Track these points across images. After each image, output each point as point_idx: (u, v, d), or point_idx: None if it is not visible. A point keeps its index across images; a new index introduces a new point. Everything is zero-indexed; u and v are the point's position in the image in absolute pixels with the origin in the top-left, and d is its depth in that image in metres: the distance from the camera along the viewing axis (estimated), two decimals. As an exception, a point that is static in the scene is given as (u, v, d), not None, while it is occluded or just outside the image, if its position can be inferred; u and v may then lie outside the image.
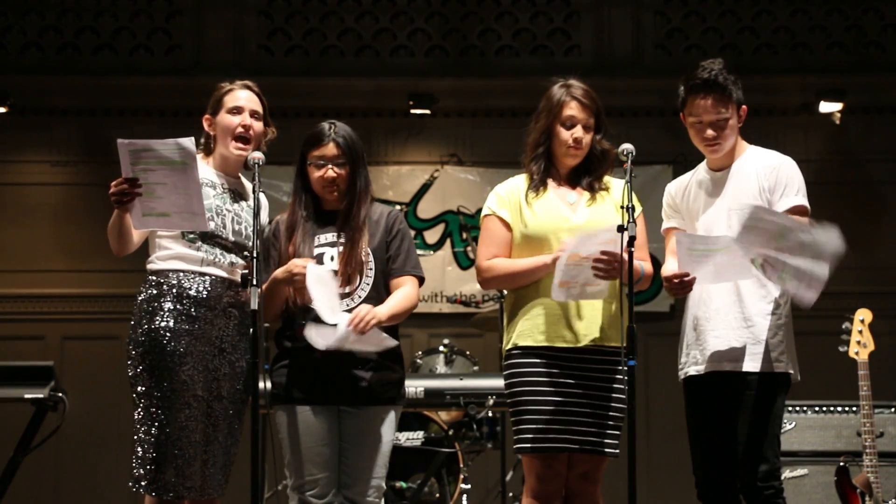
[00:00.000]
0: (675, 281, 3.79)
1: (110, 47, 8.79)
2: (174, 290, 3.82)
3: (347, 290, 3.84)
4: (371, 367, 3.85)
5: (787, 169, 3.96)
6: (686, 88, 3.97)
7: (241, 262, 3.92)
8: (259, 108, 3.98)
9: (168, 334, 3.78)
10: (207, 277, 3.85)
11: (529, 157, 3.99)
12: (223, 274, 3.88)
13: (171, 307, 3.80)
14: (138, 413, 3.79)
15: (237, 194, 3.99)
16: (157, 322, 3.79)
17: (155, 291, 3.83)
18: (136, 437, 3.78)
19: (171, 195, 3.63)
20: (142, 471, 3.75)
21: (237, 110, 3.93)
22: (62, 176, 8.59)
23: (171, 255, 3.85)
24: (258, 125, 3.97)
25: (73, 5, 8.79)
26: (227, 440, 3.89)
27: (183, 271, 3.84)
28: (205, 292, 3.83)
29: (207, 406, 3.82)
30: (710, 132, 3.94)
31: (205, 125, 4.01)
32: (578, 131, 3.92)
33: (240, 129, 3.92)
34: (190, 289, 3.82)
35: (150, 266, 3.90)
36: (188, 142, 3.60)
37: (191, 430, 3.77)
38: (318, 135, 3.92)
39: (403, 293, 3.91)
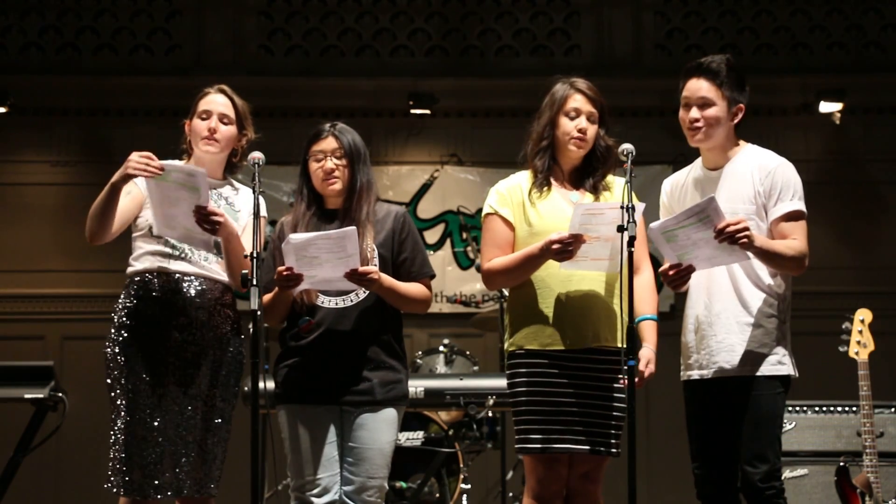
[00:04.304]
0: (671, 273, 3.75)
1: (110, 47, 8.79)
2: (141, 293, 3.91)
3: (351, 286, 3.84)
4: (374, 367, 3.86)
5: (784, 172, 3.90)
6: (682, 74, 3.98)
7: (215, 257, 3.97)
8: (230, 112, 4.03)
9: (131, 337, 3.88)
10: (176, 275, 3.92)
11: (533, 152, 3.97)
12: (194, 269, 3.94)
13: (136, 310, 3.91)
14: (111, 416, 3.89)
15: (215, 192, 4.04)
16: (121, 325, 3.90)
17: (123, 294, 3.95)
18: (110, 440, 3.89)
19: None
20: (112, 471, 3.86)
21: (206, 114, 4.01)
22: (62, 176, 8.59)
23: (142, 253, 3.95)
24: (227, 129, 4.02)
25: (73, 5, 8.79)
26: (208, 437, 3.92)
27: (150, 271, 3.92)
28: (170, 293, 3.90)
29: (180, 406, 3.87)
30: (694, 112, 3.91)
31: (185, 130, 4.09)
32: (583, 122, 3.90)
33: (206, 133, 3.99)
34: (154, 290, 3.90)
35: (127, 270, 4.00)
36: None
37: (160, 430, 3.84)
38: (319, 131, 3.97)
39: (417, 286, 3.93)
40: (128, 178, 3.76)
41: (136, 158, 3.72)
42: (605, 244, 3.74)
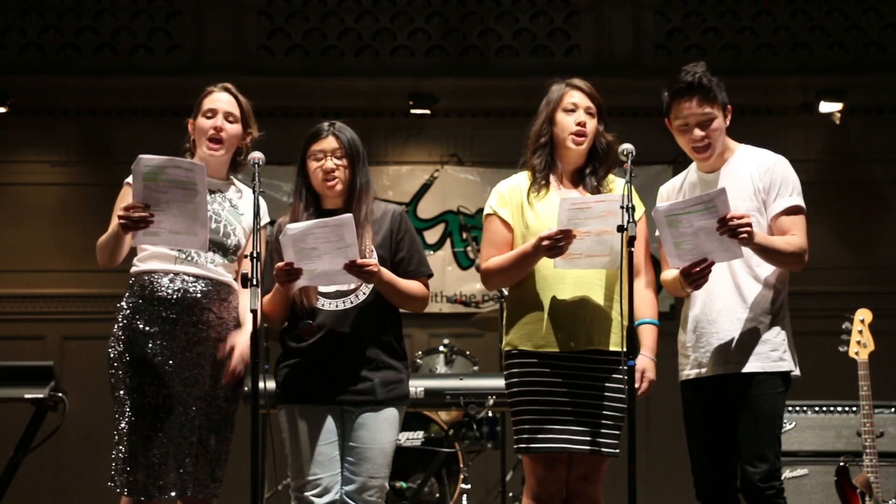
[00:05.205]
0: (693, 271, 3.69)
1: (110, 47, 8.79)
2: (146, 292, 3.89)
3: (351, 286, 3.84)
4: (375, 367, 3.85)
5: (782, 169, 3.91)
6: (670, 93, 3.92)
7: (221, 259, 3.95)
8: (235, 110, 4.02)
9: (135, 336, 3.85)
10: (181, 276, 3.90)
11: (532, 150, 3.95)
12: (199, 271, 3.92)
13: (141, 310, 3.88)
14: (114, 415, 3.88)
15: (219, 194, 4.03)
16: (126, 324, 3.88)
17: (127, 293, 3.93)
18: (113, 439, 3.88)
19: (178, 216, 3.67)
20: (116, 471, 3.84)
21: (212, 113, 3.99)
22: (62, 176, 8.58)
23: (147, 255, 3.93)
24: (232, 127, 4.01)
25: (73, 5, 8.79)
26: (211, 438, 3.92)
27: (156, 272, 3.90)
28: (176, 294, 3.88)
29: (184, 406, 3.86)
30: (697, 132, 3.88)
31: (189, 129, 4.07)
32: (581, 115, 3.89)
33: (211, 132, 3.97)
34: (159, 290, 3.88)
35: (131, 269, 3.98)
36: (199, 166, 3.67)
37: (164, 430, 3.83)
38: (318, 130, 3.96)
39: (415, 283, 3.93)
40: (126, 230, 3.71)
41: (123, 215, 3.66)
42: (601, 240, 3.70)
